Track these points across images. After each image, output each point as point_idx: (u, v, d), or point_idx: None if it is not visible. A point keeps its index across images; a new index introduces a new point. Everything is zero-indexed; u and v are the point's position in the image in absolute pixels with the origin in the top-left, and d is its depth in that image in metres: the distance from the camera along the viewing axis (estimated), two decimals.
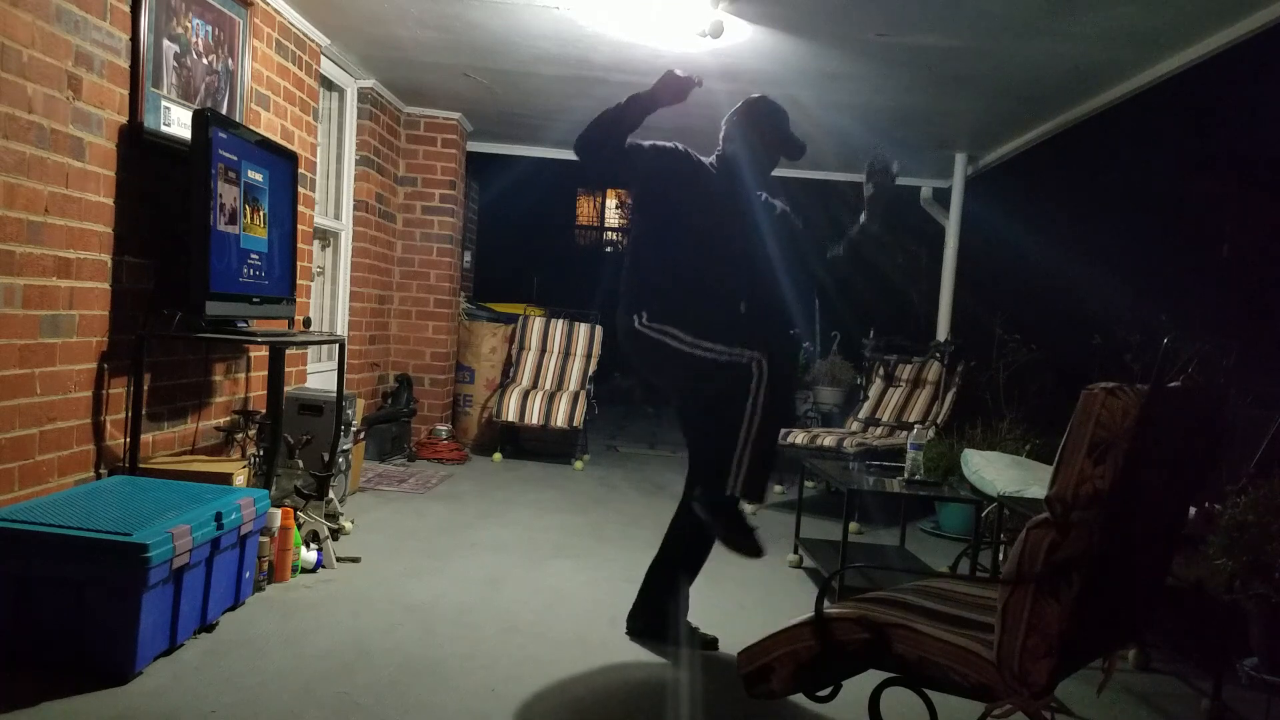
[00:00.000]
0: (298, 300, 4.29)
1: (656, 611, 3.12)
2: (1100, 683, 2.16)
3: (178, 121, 3.52)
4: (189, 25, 3.61)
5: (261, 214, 3.73)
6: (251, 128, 4.02)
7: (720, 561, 4.22)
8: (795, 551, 4.29)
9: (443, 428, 6.67)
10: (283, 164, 3.95)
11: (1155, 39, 4.12)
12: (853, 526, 4.68)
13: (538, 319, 7.20)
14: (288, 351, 4.06)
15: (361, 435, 5.22)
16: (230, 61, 3.92)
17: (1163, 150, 7.41)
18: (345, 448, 4.53)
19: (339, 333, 5.75)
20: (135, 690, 2.45)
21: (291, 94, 4.56)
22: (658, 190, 3.03)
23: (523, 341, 7.09)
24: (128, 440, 3.34)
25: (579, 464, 6.58)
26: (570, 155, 7.78)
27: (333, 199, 5.80)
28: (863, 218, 3.13)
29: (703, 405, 3.02)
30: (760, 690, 2.01)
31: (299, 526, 3.55)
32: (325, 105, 5.59)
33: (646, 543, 4.42)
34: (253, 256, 3.65)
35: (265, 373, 4.16)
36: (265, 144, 3.83)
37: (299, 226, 4.29)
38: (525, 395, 6.61)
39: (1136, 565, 1.97)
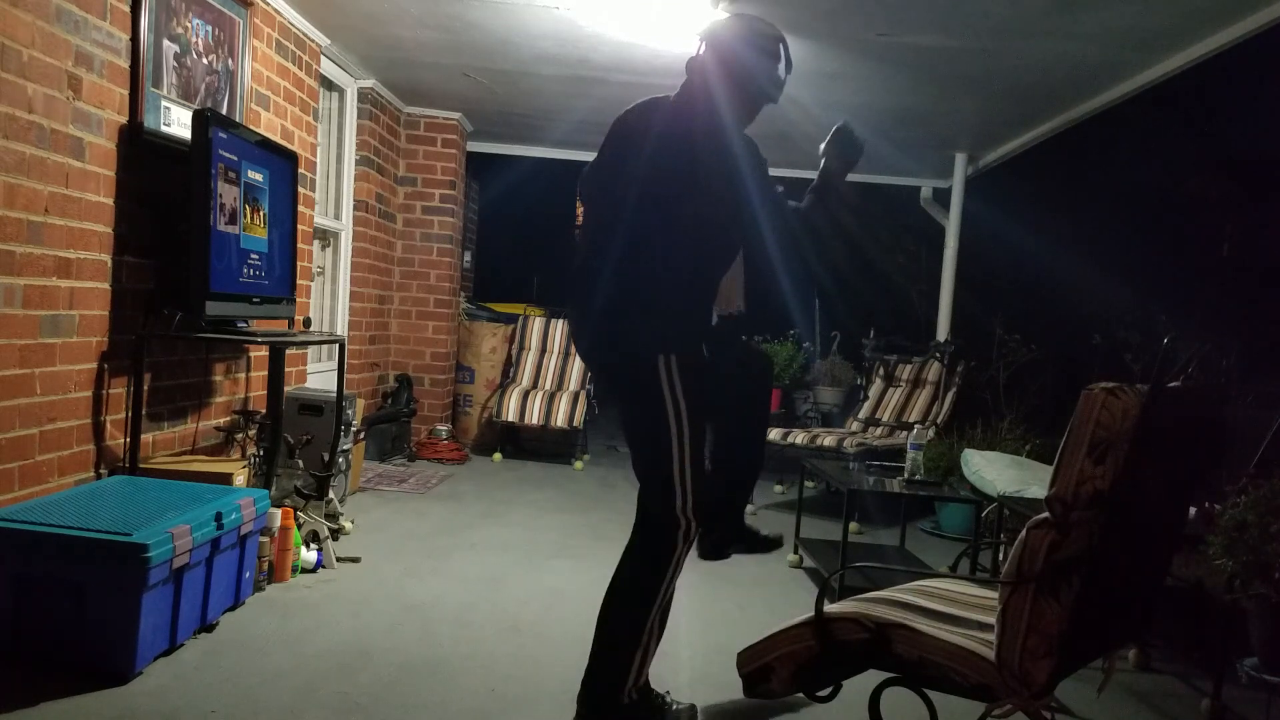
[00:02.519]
0: (298, 300, 4.29)
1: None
2: (1100, 683, 2.16)
3: (178, 121, 3.52)
4: (189, 25, 3.61)
5: (261, 214, 3.73)
6: (251, 128, 4.02)
7: (720, 562, 4.22)
8: (795, 551, 4.29)
9: (443, 428, 6.67)
10: (283, 164, 3.95)
11: (1155, 39, 4.12)
12: (853, 526, 4.68)
13: (538, 319, 7.20)
14: (288, 351, 4.06)
15: (361, 435, 5.22)
16: (230, 61, 3.92)
17: (1163, 150, 7.40)
18: (345, 448, 4.53)
19: (339, 333, 5.75)
20: (135, 690, 2.45)
21: (291, 94, 4.56)
22: (707, 193, 2.33)
23: (523, 341, 7.09)
24: (128, 440, 3.34)
25: (579, 464, 6.58)
26: (570, 155, 7.82)
27: (333, 199, 5.80)
28: (807, 201, 2.50)
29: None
30: (760, 690, 2.02)
31: (299, 526, 3.55)
32: (325, 105, 5.59)
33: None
34: (253, 256, 3.65)
35: (265, 373, 4.16)
36: (265, 144, 3.83)
37: (299, 226, 4.29)
38: (525, 395, 6.61)
39: (1136, 565, 1.97)
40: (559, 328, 7.12)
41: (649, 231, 2.33)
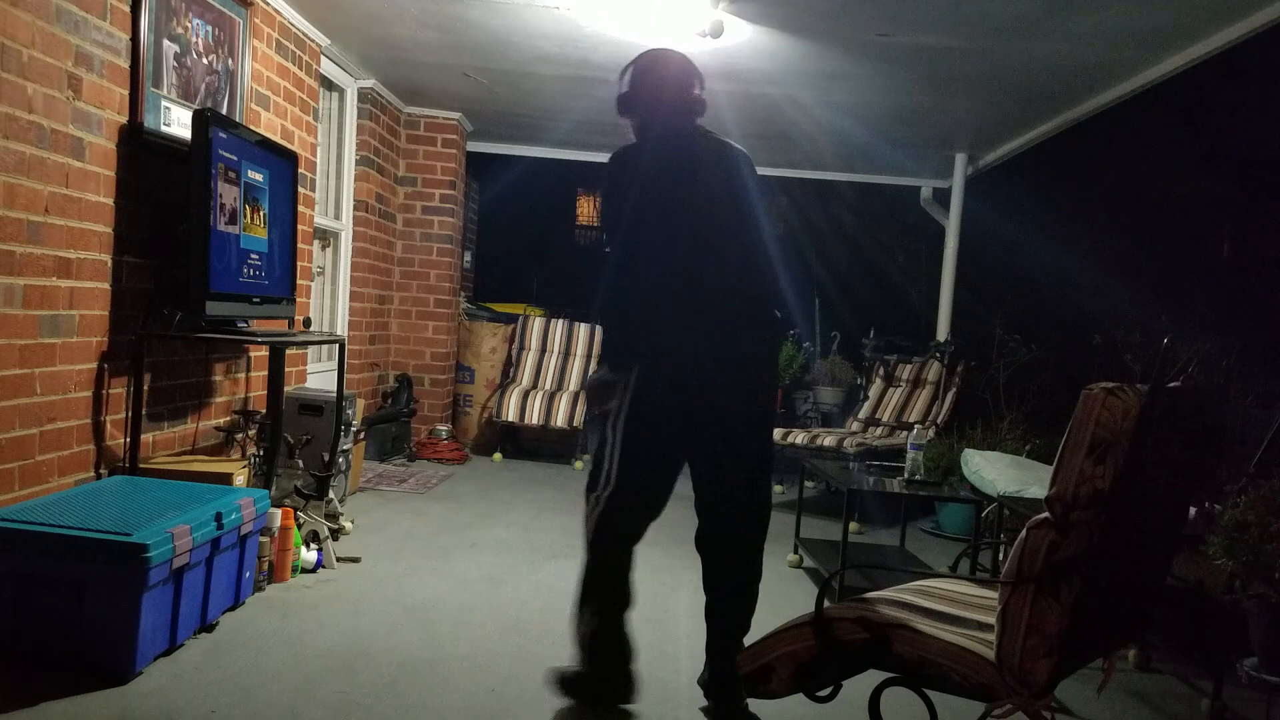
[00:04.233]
0: (298, 300, 4.29)
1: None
2: (1100, 683, 2.16)
3: (178, 121, 3.52)
4: (189, 25, 3.61)
5: (261, 214, 3.73)
6: (251, 128, 4.02)
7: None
8: (795, 551, 4.29)
9: (443, 428, 6.67)
10: (283, 164, 3.95)
11: (1155, 39, 4.12)
12: (853, 526, 4.68)
13: (538, 319, 7.20)
14: (288, 351, 4.05)
15: (361, 435, 5.22)
16: (230, 61, 3.92)
17: (1163, 150, 7.40)
18: (345, 448, 4.53)
19: (339, 333, 5.75)
20: (135, 690, 2.45)
21: (291, 94, 4.56)
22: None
23: (523, 341, 7.09)
24: (128, 440, 3.33)
25: (579, 464, 6.58)
26: (570, 155, 7.81)
27: (333, 199, 5.80)
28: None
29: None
30: (760, 690, 2.01)
31: (299, 526, 3.55)
32: (325, 105, 5.59)
33: (646, 542, 4.41)
34: (253, 256, 3.65)
35: (265, 373, 4.16)
36: (265, 144, 3.83)
37: (299, 226, 4.29)
38: (525, 395, 6.61)
39: (1136, 565, 1.97)
40: (559, 328, 7.11)
41: (750, 249, 2.55)
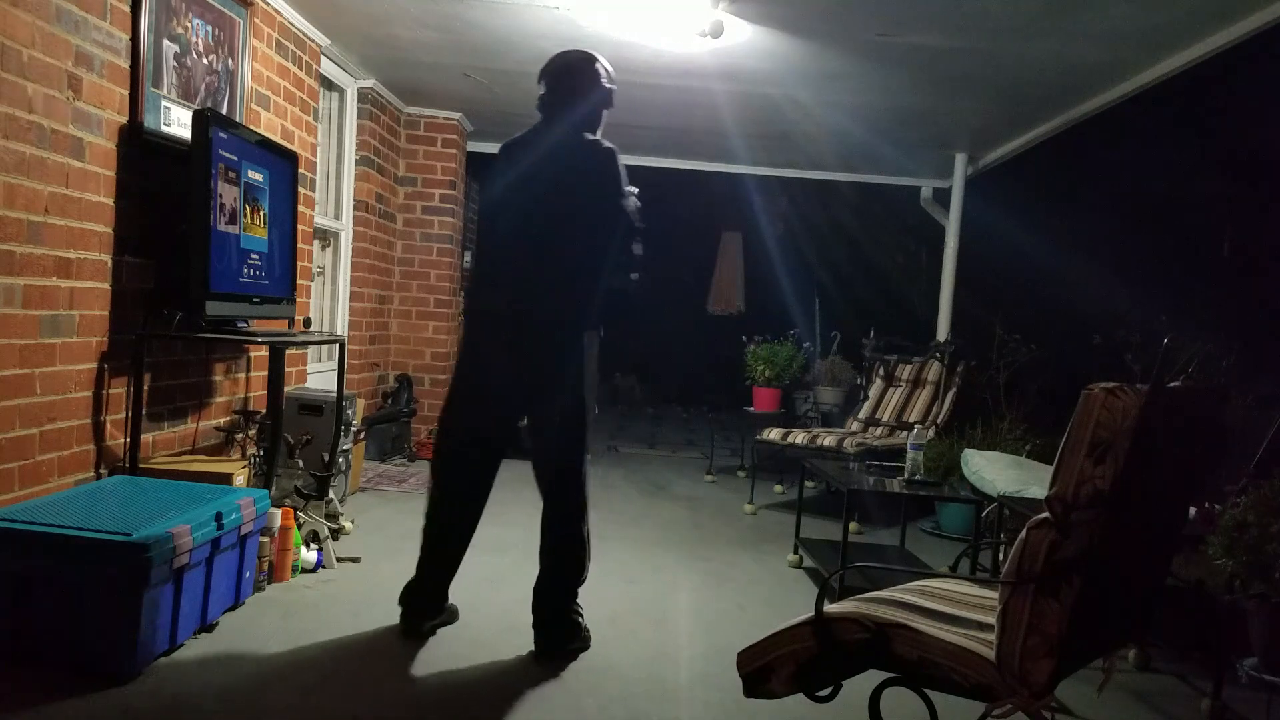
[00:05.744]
0: (298, 300, 4.29)
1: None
2: (1100, 683, 2.17)
3: (178, 121, 3.52)
4: (189, 25, 3.61)
5: (261, 214, 3.73)
6: (251, 128, 4.02)
7: (720, 562, 4.23)
8: (795, 551, 4.29)
9: None
10: (283, 164, 3.95)
11: (1155, 39, 4.12)
12: (853, 526, 4.68)
13: None
14: (288, 351, 4.05)
15: (361, 435, 5.22)
16: (230, 61, 3.92)
17: (1163, 150, 7.40)
18: (345, 448, 4.53)
19: (339, 333, 5.75)
20: (135, 690, 2.45)
21: (291, 94, 4.56)
22: None
23: None
24: (128, 440, 3.34)
25: None
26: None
27: (333, 199, 5.80)
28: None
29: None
30: (760, 690, 2.01)
31: (299, 526, 3.55)
32: (325, 105, 5.59)
33: (646, 542, 4.42)
34: (253, 256, 3.65)
35: (265, 373, 4.16)
36: (265, 144, 3.83)
37: (299, 226, 4.29)
38: None
39: (1136, 565, 1.97)
40: None
41: (570, 259, 2.93)
